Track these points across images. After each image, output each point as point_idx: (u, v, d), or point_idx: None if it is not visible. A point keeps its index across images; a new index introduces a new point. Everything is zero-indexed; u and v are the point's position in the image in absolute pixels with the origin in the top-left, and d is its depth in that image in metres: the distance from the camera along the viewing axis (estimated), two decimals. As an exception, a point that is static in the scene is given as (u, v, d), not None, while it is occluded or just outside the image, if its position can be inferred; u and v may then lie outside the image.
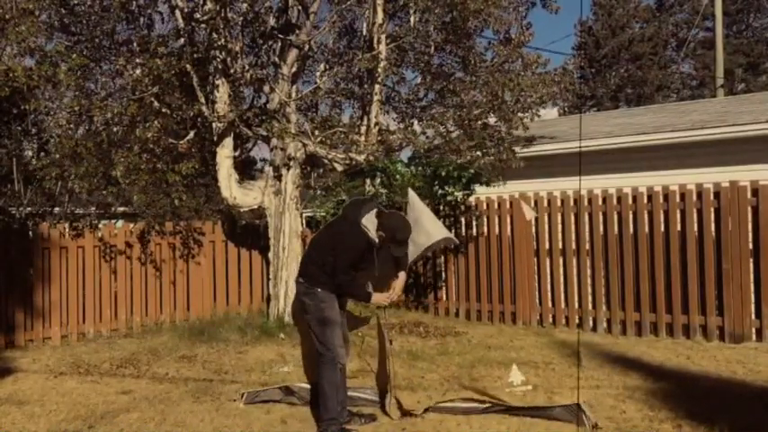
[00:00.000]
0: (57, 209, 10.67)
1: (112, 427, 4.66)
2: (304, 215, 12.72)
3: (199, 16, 7.85)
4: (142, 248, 8.38)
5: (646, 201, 7.64)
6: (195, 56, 7.95)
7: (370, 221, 4.40)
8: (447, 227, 9.26)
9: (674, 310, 7.42)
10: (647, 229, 7.63)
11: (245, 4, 8.04)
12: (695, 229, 7.36)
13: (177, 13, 8.00)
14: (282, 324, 8.01)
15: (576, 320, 8.09)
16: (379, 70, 8.14)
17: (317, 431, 4.36)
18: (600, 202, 7.91)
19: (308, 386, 5.08)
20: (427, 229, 4.70)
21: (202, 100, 8.02)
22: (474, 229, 8.95)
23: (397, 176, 9.04)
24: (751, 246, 7.13)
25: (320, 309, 4.33)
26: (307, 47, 8.40)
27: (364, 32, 8.74)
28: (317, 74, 9.26)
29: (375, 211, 4.43)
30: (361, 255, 4.38)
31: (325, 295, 4.35)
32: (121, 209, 12.30)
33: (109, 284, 8.14)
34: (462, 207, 9.01)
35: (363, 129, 8.55)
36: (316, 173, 9.77)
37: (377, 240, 4.38)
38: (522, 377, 5.52)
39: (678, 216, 7.44)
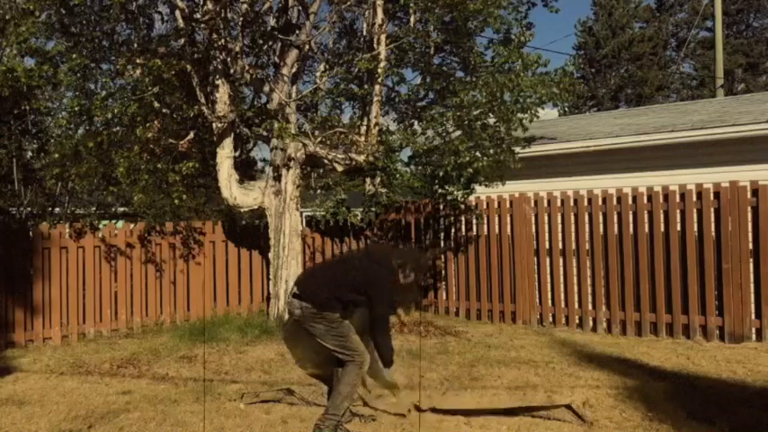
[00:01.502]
0: (57, 209, 10.68)
1: (112, 426, 4.66)
2: (304, 215, 12.72)
3: (199, 16, 7.85)
4: (142, 248, 8.38)
5: (646, 201, 7.64)
6: (195, 56, 7.95)
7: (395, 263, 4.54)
8: (447, 227, 9.29)
9: (674, 310, 7.42)
10: (647, 229, 7.63)
11: (245, 5, 8.04)
12: (695, 229, 7.36)
13: (177, 13, 8.00)
14: (283, 324, 8.01)
15: (576, 320, 8.10)
16: (379, 70, 8.13)
17: (317, 422, 4.33)
18: (600, 202, 7.91)
19: (310, 387, 5.07)
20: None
21: (202, 100, 8.02)
22: (474, 229, 8.96)
23: (397, 176, 9.04)
24: (751, 246, 7.13)
25: (333, 328, 4.30)
26: (307, 47, 8.40)
27: (364, 33, 8.74)
28: (317, 74, 9.26)
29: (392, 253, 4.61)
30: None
31: (335, 317, 4.33)
32: (122, 209, 12.32)
33: (109, 284, 8.15)
34: (462, 206, 9.02)
35: (363, 129, 8.55)
36: (316, 173, 9.76)
37: (402, 279, 4.50)
38: None
39: (678, 216, 7.45)
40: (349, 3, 8.27)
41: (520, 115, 8.42)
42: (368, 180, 10.45)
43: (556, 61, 50.33)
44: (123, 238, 8.27)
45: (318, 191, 11.52)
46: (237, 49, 8.04)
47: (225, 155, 8.38)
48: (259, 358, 6.66)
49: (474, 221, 8.92)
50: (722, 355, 6.51)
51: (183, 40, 8.03)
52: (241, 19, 8.18)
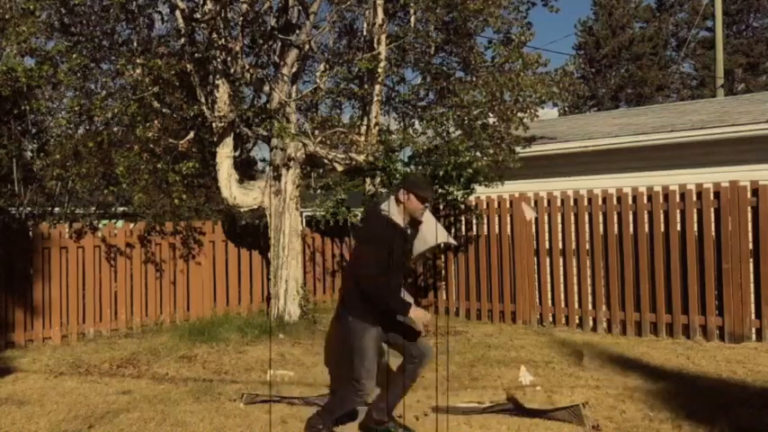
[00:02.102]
0: (57, 209, 10.68)
1: (112, 427, 4.66)
2: (304, 215, 12.72)
3: (199, 16, 7.85)
4: (142, 248, 8.38)
5: (646, 201, 7.64)
6: (195, 56, 7.95)
7: (389, 205, 3.98)
8: (446, 227, 9.28)
9: (674, 310, 7.42)
10: (647, 229, 7.63)
11: (245, 5, 8.04)
12: (695, 229, 7.36)
13: (177, 13, 8.00)
14: (282, 323, 8.01)
15: (576, 320, 8.10)
16: (379, 70, 8.14)
17: (308, 419, 4.23)
18: (600, 202, 7.91)
19: (309, 387, 5.07)
20: (424, 232, 4.60)
21: (202, 100, 8.02)
22: (474, 229, 8.95)
23: (397, 176, 9.03)
24: (751, 246, 7.13)
25: (351, 340, 3.91)
26: (307, 47, 8.40)
27: (364, 32, 8.74)
28: (317, 74, 9.27)
29: (391, 197, 4.06)
30: (390, 246, 3.84)
31: (357, 324, 3.89)
32: (121, 209, 12.32)
33: (109, 284, 8.14)
34: (462, 206, 9.01)
35: (363, 129, 8.55)
36: (316, 173, 9.76)
37: (402, 222, 3.95)
38: (531, 377, 5.53)
39: (678, 216, 7.44)
40: (349, 3, 8.27)
41: (520, 114, 8.42)
42: (368, 180, 10.43)
43: (556, 61, 50.33)
44: (123, 238, 8.26)
45: (318, 191, 11.53)
46: (237, 48, 8.03)
47: (225, 154, 8.38)
48: (259, 358, 6.66)
49: (474, 221, 8.92)
50: (722, 355, 6.51)
51: (183, 40, 8.03)
52: (241, 19, 8.18)
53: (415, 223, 4.12)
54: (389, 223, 3.93)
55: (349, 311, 3.94)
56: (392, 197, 4.04)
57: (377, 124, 8.46)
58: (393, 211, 3.95)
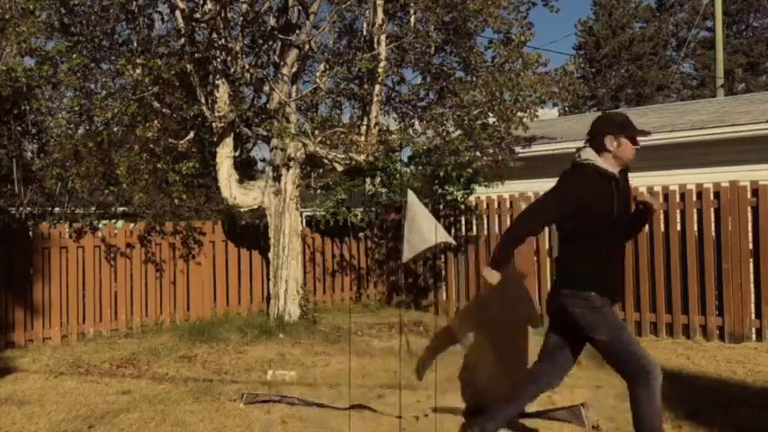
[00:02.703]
0: (57, 209, 10.68)
1: (112, 427, 4.65)
2: (304, 215, 12.71)
3: (199, 16, 7.85)
4: (142, 248, 8.37)
5: (646, 201, 7.63)
6: (195, 56, 7.95)
7: (588, 153, 3.38)
8: (446, 227, 9.28)
9: (674, 310, 7.42)
10: (647, 228, 7.62)
11: (245, 5, 8.04)
12: (695, 229, 7.35)
13: (177, 13, 8.00)
14: (282, 323, 8.01)
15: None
16: (379, 70, 8.14)
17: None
18: (600, 202, 7.90)
19: (309, 387, 5.06)
20: (423, 231, 4.55)
21: (202, 100, 8.02)
22: (474, 229, 8.95)
23: (397, 176, 9.04)
24: (751, 246, 7.12)
25: (596, 323, 3.29)
26: (307, 47, 8.40)
27: (364, 32, 8.74)
28: (317, 74, 9.27)
29: (587, 150, 3.41)
30: (591, 205, 3.30)
31: (597, 299, 3.29)
32: (121, 209, 12.32)
33: (109, 284, 8.13)
34: (462, 207, 9.01)
35: (363, 129, 8.55)
36: (316, 173, 9.76)
37: (610, 168, 3.35)
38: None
39: (678, 216, 7.44)
40: (349, 3, 8.27)
41: (520, 114, 8.43)
42: (368, 180, 10.44)
43: (556, 61, 50.28)
44: (123, 238, 8.26)
45: (318, 191, 11.53)
46: (237, 48, 8.04)
47: (225, 154, 8.38)
48: (259, 358, 6.66)
49: (474, 222, 8.92)
50: (722, 355, 6.51)
51: (183, 40, 8.03)
52: (241, 19, 8.18)
53: (624, 171, 3.44)
54: (598, 175, 3.33)
55: (582, 287, 3.33)
56: (588, 149, 3.41)
57: (377, 124, 8.46)
58: (601, 163, 3.38)
